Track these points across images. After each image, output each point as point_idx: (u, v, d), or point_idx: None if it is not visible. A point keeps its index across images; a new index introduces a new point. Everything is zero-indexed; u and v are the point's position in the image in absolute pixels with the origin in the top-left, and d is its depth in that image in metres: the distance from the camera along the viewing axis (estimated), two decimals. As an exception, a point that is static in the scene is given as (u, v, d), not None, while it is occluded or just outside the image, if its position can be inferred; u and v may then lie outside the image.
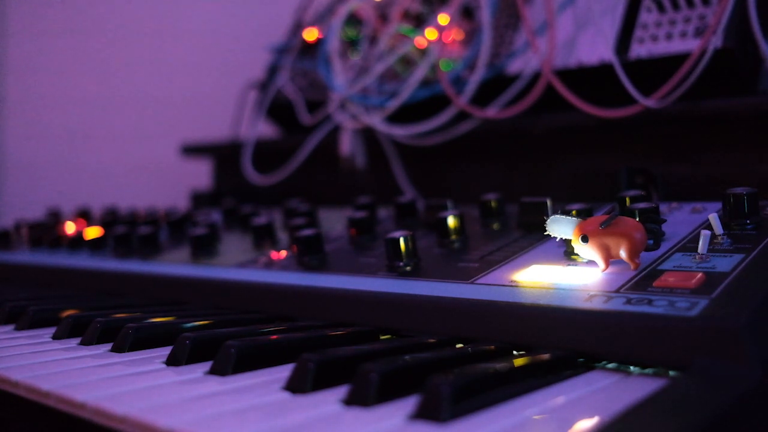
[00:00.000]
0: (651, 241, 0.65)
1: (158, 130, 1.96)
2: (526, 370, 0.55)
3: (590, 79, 1.00)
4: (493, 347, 0.62)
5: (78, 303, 0.95)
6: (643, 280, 0.63)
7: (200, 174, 1.73)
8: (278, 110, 1.44)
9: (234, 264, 0.97)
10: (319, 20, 1.41)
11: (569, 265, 0.70)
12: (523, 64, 1.06)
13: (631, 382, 0.55)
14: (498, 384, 0.52)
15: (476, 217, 0.90)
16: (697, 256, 0.65)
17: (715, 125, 0.91)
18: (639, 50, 0.96)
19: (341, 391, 0.55)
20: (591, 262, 0.68)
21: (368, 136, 1.25)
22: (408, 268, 0.79)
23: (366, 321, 0.74)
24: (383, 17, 1.25)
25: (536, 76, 1.02)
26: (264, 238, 1.03)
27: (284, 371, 0.60)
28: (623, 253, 0.65)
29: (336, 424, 0.49)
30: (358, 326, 0.73)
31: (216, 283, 0.92)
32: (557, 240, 0.69)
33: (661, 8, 0.96)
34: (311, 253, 0.89)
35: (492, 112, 1.05)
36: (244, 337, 0.67)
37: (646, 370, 0.57)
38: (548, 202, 0.82)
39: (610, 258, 0.65)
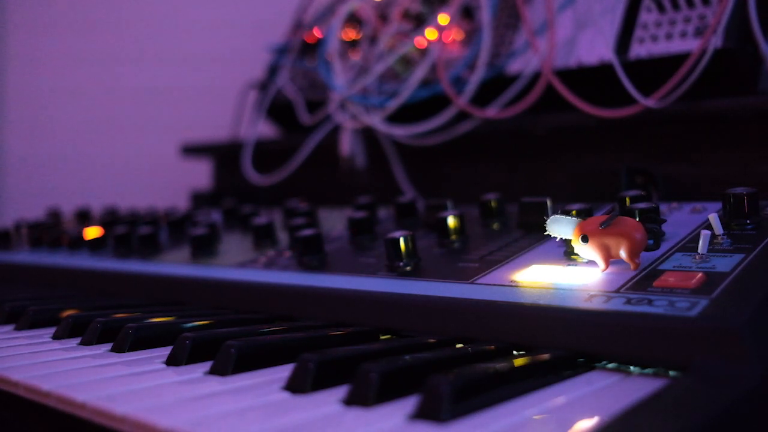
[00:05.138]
0: (651, 241, 0.65)
1: (158, 130, 1.96)
2: (526, 370, 0.55)
3: (590, 79, 1.00)
4: (493, 347, 0.62)
5: (78, 303, 0.95)
6: (643, 280, 0.63)
7: (200, 174, 1.73)
8: (278, 110, 1.44)
9: (234, 264, 0.97)
10: (319, 20, 1.42)
11: (569, 265, 0.70)
12: (523, 64, 1.06)
13: (631, 382, 0.55)
14: (498, 384, 0.52)
15: (476, 217, 0.90)
16: (697, 256, 0.65)
17: (715, 125, 0.91)
18: (639, 50, 0.96)
19: (341, 391, 0.55)
20: (591, 262, 0.68)
21: (368, 136, 1.25)
22: (408, 268, 0.79)
23: (366, 321, 0.74)
24: (383, 17, 1.25)
25: (536, 76, 1.02)
26: (264, 238, 1.03)
27: (284, 371, 0.60)
28: (623, 253, 0.65)
29: (336, 424, 0.49)
30: (358, 326, 0.73)
31: (216, 283, 0.92)
32: (557, 240, 0.69)
33: (661, 8, 0.96)
34: (311, 253, 0.89)
35: (492, 112, 1.05)
36: (244, 337, 0.67)
37: (646, 370, 0.57)
38: (548, 202, 0.82)
39: (610, 258, 0.65)
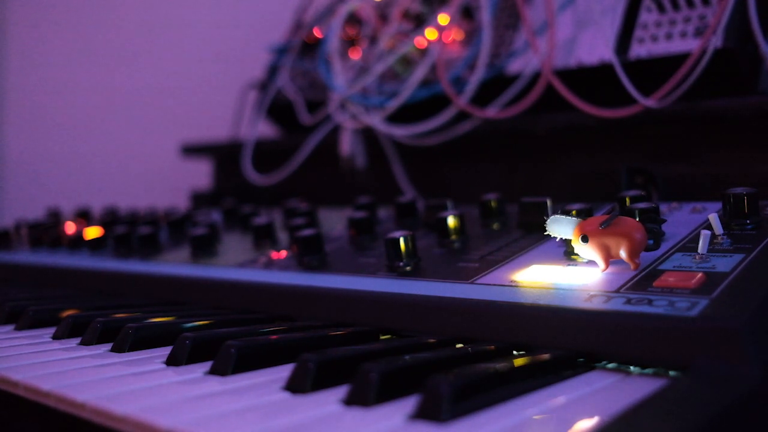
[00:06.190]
0: (651, 241, 0.65)
1: (158, 130, 1.96)
2: (526, 370, 0.55)
3: (590, 79, 1.00)
4: (493, 347, 0.62)
5: (78, 303, 0.95)
6: (643, 280, 0.63)
7: (200, 174, 1.73)
8: (278, 110, 1.44)
9: (234, 264, 0.97)
10: (319, 20, 1.42)
11: (569, 265, 0.70)
12: (523, 64, 1.06)
13: (631, 382, 0.55)
14: (498, 384, 0.52)
15: (476, 217, 0.90)
16: (697, 256, 0.65)
17: (715, 125, 0.91)
18: (639, 50, 0.96)
19: (341, 391, 0.55)
20: (591, 262, 0.68)
21: (368, 136, 1.25)
22: (408, 268, 0.79)
23: (366, 321, 0.74)
24: (383, 17, 1.25)
25: (536, 76, 1.02)
26: (264, 238, 1.03)
27: (284, 371, 0.60)
28: (623, 253, 0.65)
29: (336, 424, 0.49)
30: (358, 326, 0.73)
31: (216, 283, 0.92)
32: (557, 240, 0.69)
33: (661, 8, 0.96)
34: (311, 253, 0.89)
35: (492, 112, 1.05)
36: (244, 337, 0.67)
37: (646, 370, 0.57)
38: (548, 202, 0.82)
39: (610, 258, 0.65)
